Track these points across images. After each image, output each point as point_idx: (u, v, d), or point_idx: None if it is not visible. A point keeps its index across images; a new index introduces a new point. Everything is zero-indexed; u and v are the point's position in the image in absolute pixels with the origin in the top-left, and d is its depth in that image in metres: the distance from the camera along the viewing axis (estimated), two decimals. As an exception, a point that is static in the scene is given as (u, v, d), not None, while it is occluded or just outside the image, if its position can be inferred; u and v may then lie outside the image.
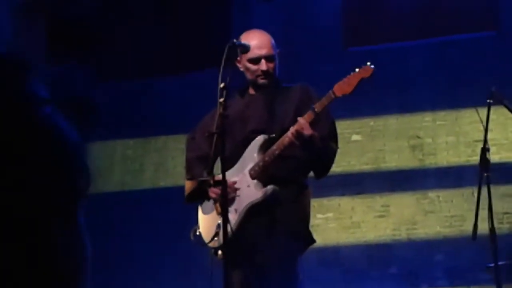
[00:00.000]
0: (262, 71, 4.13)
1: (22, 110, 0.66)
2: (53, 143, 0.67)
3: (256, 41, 4.14)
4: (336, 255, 7.45)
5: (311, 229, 4.19)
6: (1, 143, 0.63)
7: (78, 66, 7.93)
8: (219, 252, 4.03)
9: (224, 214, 3.72)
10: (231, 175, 4.03)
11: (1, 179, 0.63)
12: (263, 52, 4.12)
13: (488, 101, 4.72)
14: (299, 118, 3.94)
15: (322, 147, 4.03)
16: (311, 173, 4.23)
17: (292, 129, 3.94)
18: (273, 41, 4.21)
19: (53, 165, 0.67)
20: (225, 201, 3.78)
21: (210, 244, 4.09)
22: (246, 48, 4.04)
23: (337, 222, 7.53)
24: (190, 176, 4.23)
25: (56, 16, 7.92)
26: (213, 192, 4.04)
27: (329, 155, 4.12)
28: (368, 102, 7.29)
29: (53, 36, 7.91)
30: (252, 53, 4.10)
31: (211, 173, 3.93)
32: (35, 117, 0.66)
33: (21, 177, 0.63)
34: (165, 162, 8.13)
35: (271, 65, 4.15)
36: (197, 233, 4.20)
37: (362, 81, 3.97)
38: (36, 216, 0.65)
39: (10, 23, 7.30)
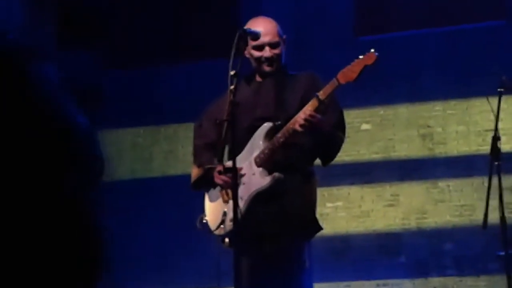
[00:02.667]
0: (266, 57, 4.13)
1: (34, 95, 0.66)
2: (65, 127, 0.68)
3: (261, 27, 4.14)
4: (346, 244, 7.46)
5: (317, 216, 4.20)
6: (14, 128, 0.63)
7: (88, 53, 7.93)
8: (226, 239, 4.05)
9: (234, 202, 3.73)
10: (238, 162, 4.04)
11: (17, 166, 0.63)
12: (267, 38, 4.12)
13: (498, 90, 4.71)
14: (306, 109, 3.93)
15: (329, 132, 4.02)
16: (318, 161, 4.24)
17: (297, 116, 3.93)
18: (278, 27, 4.20)
19: (67, 150, 0.67)
20: (235, 189, 3.79)
21: (216, 232, 4.10)
22: (256, 36, 4.04)
23: (346, 211, 7.53)
24: (198, 163, 4.24)
25: (66, 2, 7.92)
26: (220, 178, 4.04)
27: (336, 142, 4.11)
28: (378, 91, 7.28)
29: (63, 23, 7.92)
30: (256, 41, 4.10)
31: (221, 160, 3.93)
32: (47, 102, 0.67)
33: (34, 162, 0.64)
34: (175, 150, 8.14)
35: (275, 51, 4.15)
36: (203, 221, 4.22)
37: (366, 69, 3.95)
38: (56, 196, 0.65)
39: (20, 9, 7.30)
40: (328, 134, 4.02)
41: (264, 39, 4.11)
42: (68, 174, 0.66)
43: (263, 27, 4.15)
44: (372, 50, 3.95)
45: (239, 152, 4.10)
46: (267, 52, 4.13)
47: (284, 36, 4.20)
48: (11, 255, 0.61)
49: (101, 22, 7.94)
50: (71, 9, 7.84)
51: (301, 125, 3.90)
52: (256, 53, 4.15)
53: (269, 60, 4.15)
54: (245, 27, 4.03)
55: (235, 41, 3.84)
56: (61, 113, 0.67)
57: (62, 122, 0.67)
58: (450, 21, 7.51)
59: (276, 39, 4.15)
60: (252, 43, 4.11)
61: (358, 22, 7.77)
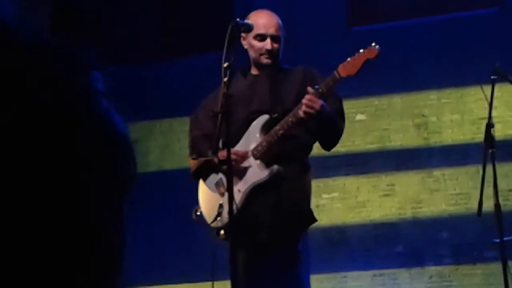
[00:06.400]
0: (267, 50, 4.13)
1: (86, 103, 0.69)
2: (111, 136, 0.71)
3: (264, 20, 4.15)
4: (342, 235, 7.48)
5: (313, 207, 4.21)
6: (67, 136, 0.66)
7: (82, 50, 7.92)
8: (221, 232, 4.05)
9: (230, 193, 3.73)
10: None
11: (61, 171, 0.65)
12: (270, 31, 4.13)
13: (492, 77, 4.71)
14: (306, 96, 3.93)
15: (330, 114, 4.00)
16: (313, 153, 4.24)
17: (301, 106, 3.91)
18: (280, 22, 4.21)
19: (110, 157, 0.70)
20: (231, 181, 3.79)
21: (213, 224, 4.10)
22: (249, 28, 4.05)
23: (342, 202, 7.55)
24: (197, 153, 4.22)
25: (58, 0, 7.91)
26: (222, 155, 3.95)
27: (338, 126, 4.10)
28: (373, 81, 7.28)
29: (57, 19, 7.91)
30: (259, 30, 4.10)
31: (216, 152, 3.93)
32: (96, 110, 0.70)
33: (80, 168, 0.66)
34: (170, 144, 8.14)
35: (276, 45, 4.15)
36: (198, 213, 4.22)
37: (367, 62, 3.96)
38: (91, 206, 0.68)
39: (11, 4, 7.29)
40: (330, 117, 4.01)
41: (267, 30, 4.12)
42: (102, 176, 0.68)
43: (267, 19, 4.16)
44: (373, 44, 3.96)
45: (235, 145, 4.11)
46: (268, 44, 4.13)
47: (284, 33, 4.21)
48: (31, 257, 0.63)
49: (94, 18, 7.93)
50: (64, 6, 7.83)
51: (304, 112, 3.89)
52: (257, 44, 4.15)
53: (270, 53, 4.14)
54: (238, 19, 4.03)
55: (228, 33, 3.85)
56: (101, 119, 0.69)
57: (103, 128, 0.69)
58: (443, 9, 7.51)
59: (278, 33, 4.16)
60: (253, 32, 4.11)
61: (351, 13, 7.77)
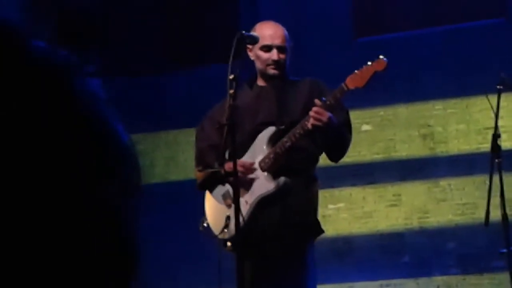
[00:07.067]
0: (273, 60, 4.13)
1: (84, 106, 0.70)
2: (110, 139, 0.71)
3: (271, 31, 4.15)
4: (349, 245, 7.46)
5: (319, 218, 4.20)
6: (66, 137, 0.66)
7: (87, 62, 7.94)
8: (228, 243, 4.04)
9: (236, 204, 3.72)
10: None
11: (60, 170, 0.65)
12: (276, 42, 4.12)
13: (498, 87, 4.71)
14: (313, 108, 3.92)
15: (338, 126, 4.00)
16: (320, 164, 4.23)
17: (308, 118, 3.91)
18: (287, 34, 4.20)
19: (110, 159, 0.71)
20: (237, 192, 3.78)
21: (220, 236, 4.09)
22: (255, 40, 4.04)
23: (348, 212, 7.53)
24: (203, 165, 4.21)
25: (65, 12, 7.94)
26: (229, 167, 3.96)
27: (345, 137, 4.10)
28: (378, 91, 7.27)
29: (62, 32, 7.93)
30: (265, 41, 4.10)
31: (222, 164, 3.92)
32: (96, 113, 0.70)
33: (80, 168, 0.67)
34: (175, 156, 8.15)
35: (282, 56, 4.14)
36: (205, 225, 4.21)
37: (375, 75, 3.95)
38: (92, 205, 0.67)
39: (19, 16, 7.31)
40: (338, 129, 4.00)
41: (273, 41, 4.12)
42: (107, 183, 0.68)
43: (273, 31, 4.16)
44: (381, 56, 3.95)
45: (241, 156, 4.10)
46: (274, 55, 4.13)
47: (291, 44, 4.21)
48: (44, 262, 0.63)
49: (100, 30, 7.95)
50: (70, 18, 7.86)
51: (312, 124, 3.88)
52: (264, 55, 4.14)
53: (276, 64, 4.14)
54: (244, 31, 4.03)
55: (234, 45, 3.84)
56: (104, 125, 0.70)
57: (105, 134, 0.69)
58: (449, 19, 7.52)
59: (285, 44, 4.16)
60: (260, 43, 4.11)
61: (357, 24, 7.78)
